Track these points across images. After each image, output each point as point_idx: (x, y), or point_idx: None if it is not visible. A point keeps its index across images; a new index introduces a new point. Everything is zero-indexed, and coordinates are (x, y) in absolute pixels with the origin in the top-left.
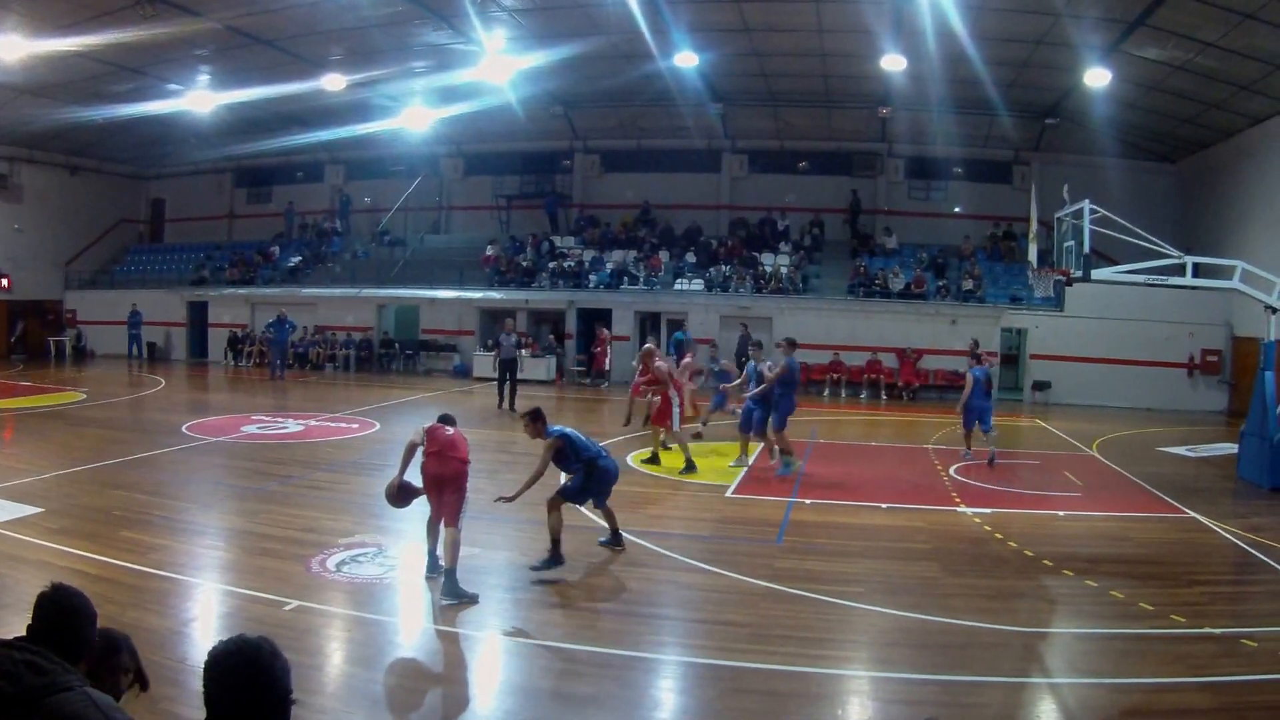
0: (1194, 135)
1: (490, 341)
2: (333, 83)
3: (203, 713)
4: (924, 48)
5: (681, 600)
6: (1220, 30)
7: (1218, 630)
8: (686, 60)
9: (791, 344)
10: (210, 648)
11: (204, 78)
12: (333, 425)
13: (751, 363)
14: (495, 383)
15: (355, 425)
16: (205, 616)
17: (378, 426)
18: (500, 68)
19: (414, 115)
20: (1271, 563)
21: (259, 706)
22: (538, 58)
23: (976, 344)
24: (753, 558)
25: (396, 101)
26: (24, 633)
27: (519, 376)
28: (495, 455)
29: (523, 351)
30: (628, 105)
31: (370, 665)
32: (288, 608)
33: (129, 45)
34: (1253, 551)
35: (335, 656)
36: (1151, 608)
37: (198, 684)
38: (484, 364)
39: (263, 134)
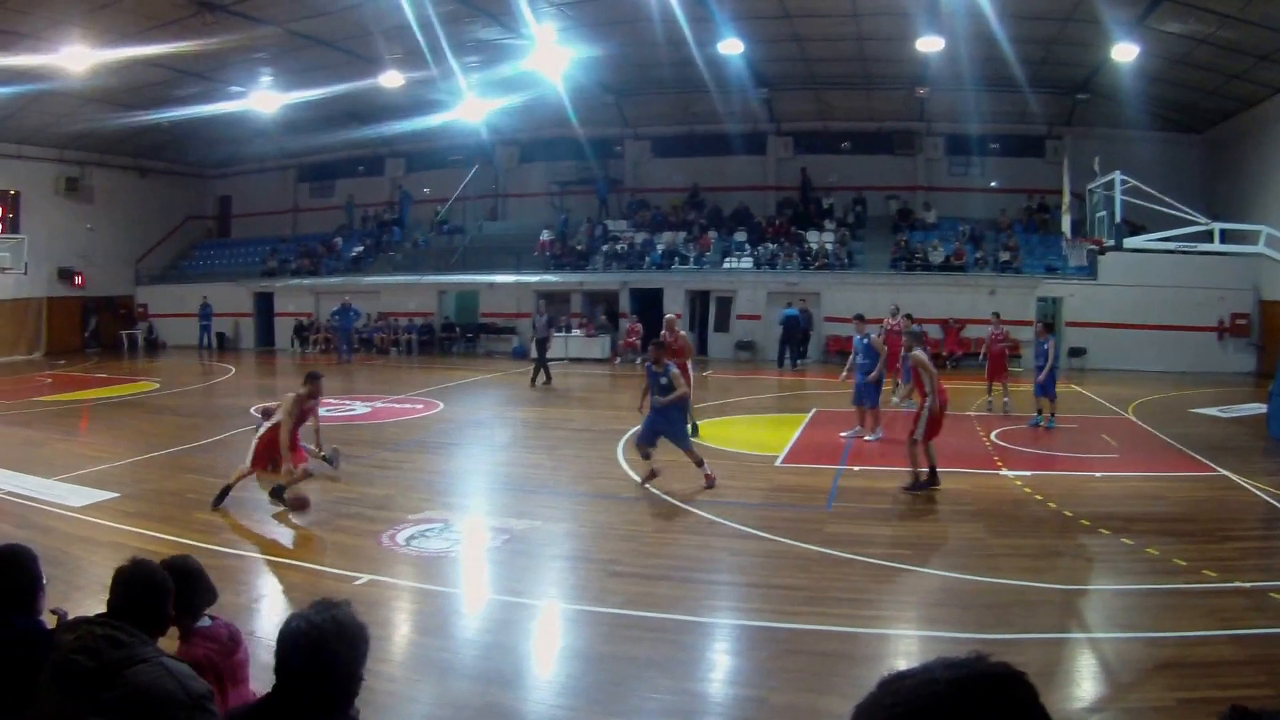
0: (1218, 106)
1: (529, 324)
2: (390, 80)
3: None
4: (957, 28)
5: (735, 566)
6: (1240, 2)
7: (1248, 584)
8: (731, 47)
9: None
10: (286, 618)
11: (265, 79)
12: (398, 406)
13: (857, 336)
14: (535, 363)
15: (420, 406)
16: (276, 592)
17: (441, 406)
18: (551, 59)
19: (469, 107)
20: None
21: (325, 683)
22: (587, 49)
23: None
24: (804, 523)
25: (452, 95)
26: (104, 609)
27: (548, 355)
28: (553, 432)
29: (576, 331)
30: (676, 92)
31: (437, 634)
32: (359, 581)
33: (191, 53)
34: None
35: (404, 627)
36: (1184, 564)
37: (268, 656)
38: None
39: (324, 130)
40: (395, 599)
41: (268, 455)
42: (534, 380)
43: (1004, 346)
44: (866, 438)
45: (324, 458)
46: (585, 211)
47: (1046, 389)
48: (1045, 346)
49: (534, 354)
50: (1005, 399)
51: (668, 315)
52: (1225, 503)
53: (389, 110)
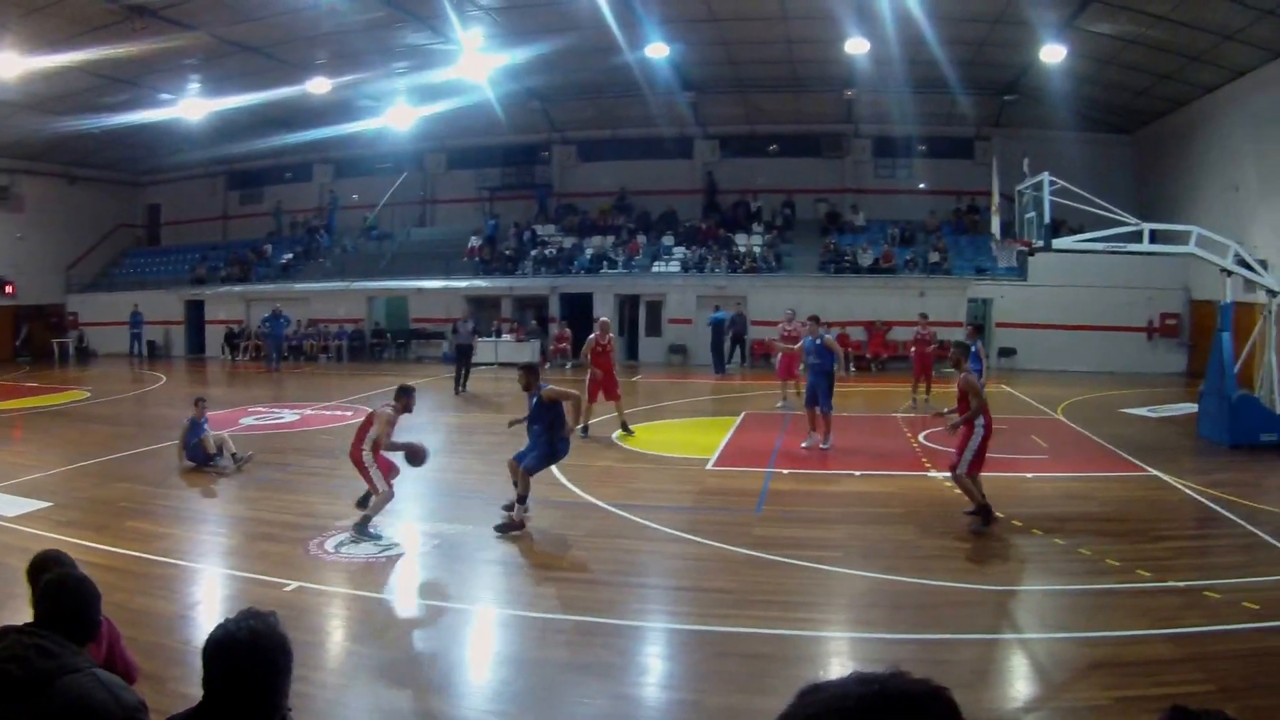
0: (1148, 106)
1: (450, 329)
2: (318, 86)
3: None
4: (885, 30)
5: (667, 569)
6: (1170, 3)
7: (1182, 583)
8: (657, 51)
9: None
10: (211, 630)
11: (194, 86)
12: (327, 414)
13: (809, 337)
14: (456, 368)
15: (349, 413)
16: (209, 600)
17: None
18: (479, 65)
19: (397, 114)
20: (1232, 517)
21: (244, 693)
22: (514, 54)
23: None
24: (734, 527)
25: (380, 101)
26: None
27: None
28: (484, 437)
29: (506, 336)
30: (602, 97)
31: (369, 641)
32: (288, 589)
33: (121, 58)
34: (1214, 507)
35: (335, 634)
36: (1118, 563)
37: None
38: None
39: (252, 137)
40: (325, 606)
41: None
42: (463, 386)
43: (931, 348)
44: (821, 446)
45: (234, 457)
46: (514, 216)
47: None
48: (974, 349)
49: (456, 360)
50: (925, 398)
51: (601, 319)
52: (1157, 502)
53: (317, 116)
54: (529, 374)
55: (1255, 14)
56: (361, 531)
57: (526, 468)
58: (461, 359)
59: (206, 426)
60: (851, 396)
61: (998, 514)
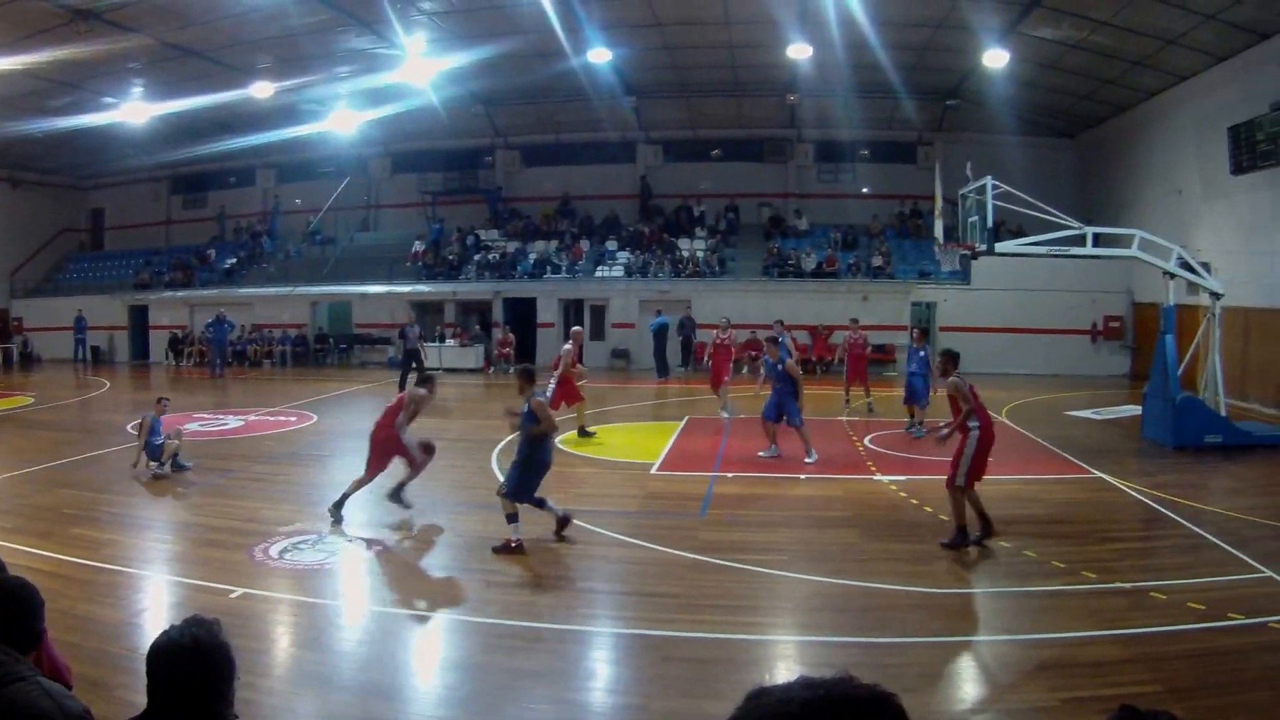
0: (1091, 111)
1: (396, 334)
2: (261, 90)
3: None
4: (828, 35)
5: (612, 574)
6: (1113, 8)
7: (1128, 584)
8: (600, 56)
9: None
10: (155, 638)
11: (138, 90)
12: (271, 419)
13: (768, 358)
14: (401, 372)
15: (294, 418)
16: (155, 607)
17: (315, 419)
18: (422, 70)
19: (341, 118)
20: (1177, 518)
21: (185, 700)
22: (458, 59)
23: (922, 330)
24: (678, 531)
25: (324, 105)
26: None
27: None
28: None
29: (450, 341)
30: (545, 101)
31: (314, 647)
32: (233, 595)
33: (65, 61)
34: (1159, 508)
35: (281, 640)
36: (1063, 565)
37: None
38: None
39: (196, 141)
40: (271, 612)
41: (386, 457)
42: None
43: (863, 351)
44: (806, 460)
45: (174, 461)
46: (458, 221)
47: (919, 396)
48: (922, 354)
49: (402, 363)
50: (868, 401)
51: (575, 328)
52: (1102, 504)
53: (261, 121)
54: (524, 378)
55: (1198, 19)
56: (396, 498)
57: (503, 493)
58: (409, 363)
59: (160, 428)
60: None
61: (975, 536)
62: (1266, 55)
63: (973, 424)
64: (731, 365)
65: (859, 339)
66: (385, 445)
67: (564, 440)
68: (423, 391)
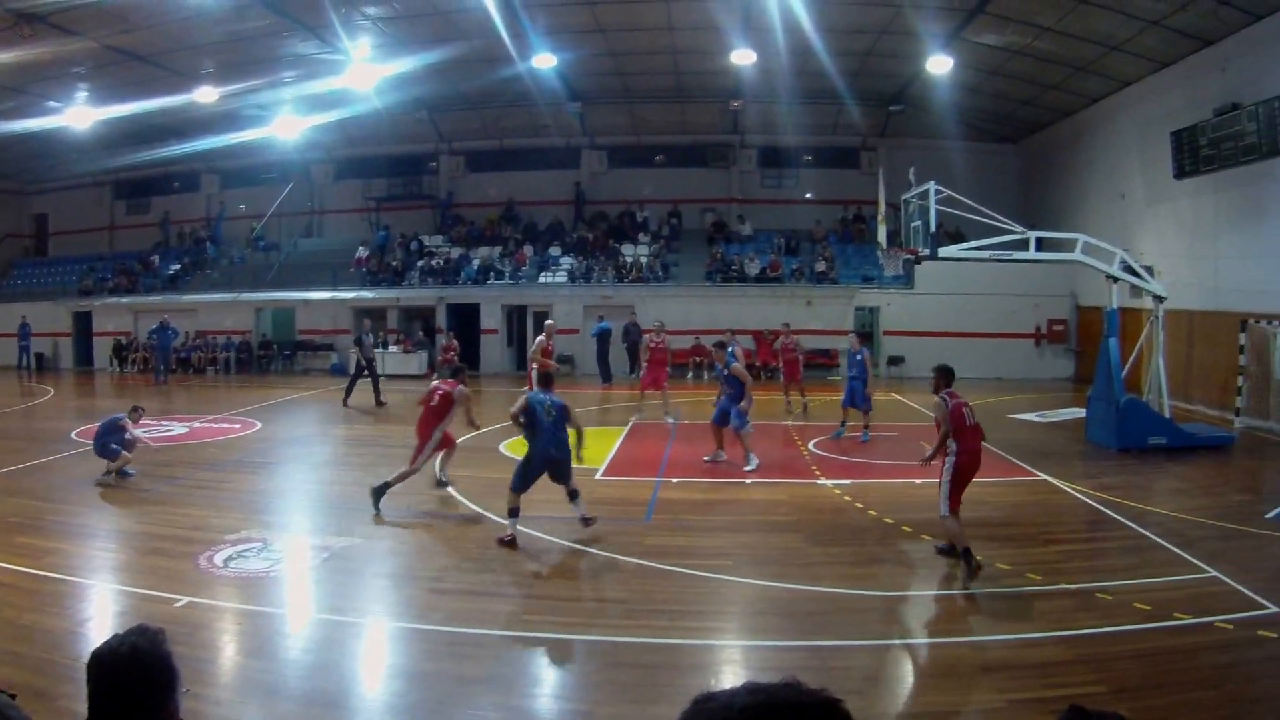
0: (1034, 116)
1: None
2: (205, 95)
3: None
4: (772, 42)
5: (557, 580)
6: (1057, 15)
7: (1073, 586)
8: (544, 62)
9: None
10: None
11: (83, 94)
12: (216, 426)
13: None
14: (351, 379)
15: (238, 425)
16: (99, 616)
17: (259, 425)
18: (366, 75)
19: (285, 123)
20: (1121, 519)
21: (124, 710)
22: (402, 64)
23: (860, 334)
24: (623, 536)
25: (268, 111)
26: None
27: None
28: (371, 449)
29: (394, 347)
30: (489, 107)
31: (260, 655)
32: (178, 604)
33: (8, 65)
34: (1103, 510)
35: (227, 649)
36: (1009, 567)
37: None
38: None
39: (140, 146)
40: (216, 621)
41: (434, 449)
42: (346, 399)
43: (795, 355)
44: (746, 467)
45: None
46: (403, 227)
47: (859, 399)
48: (859, 357)
49: (354, 371)
50: (804, 401)
51: (548, 321)
52: (1047, 506)
53: (205, 126)
54: (544, 382)
55: (1141, 25)
56: (443, 484)
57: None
58: (361, 372)
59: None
60: None
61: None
62: (1210, 61)
63: (952, 448)
64: (668, 370)
65: (791, 343)
66: (431, 439)
67: (508, 445)
68: (467, 391)
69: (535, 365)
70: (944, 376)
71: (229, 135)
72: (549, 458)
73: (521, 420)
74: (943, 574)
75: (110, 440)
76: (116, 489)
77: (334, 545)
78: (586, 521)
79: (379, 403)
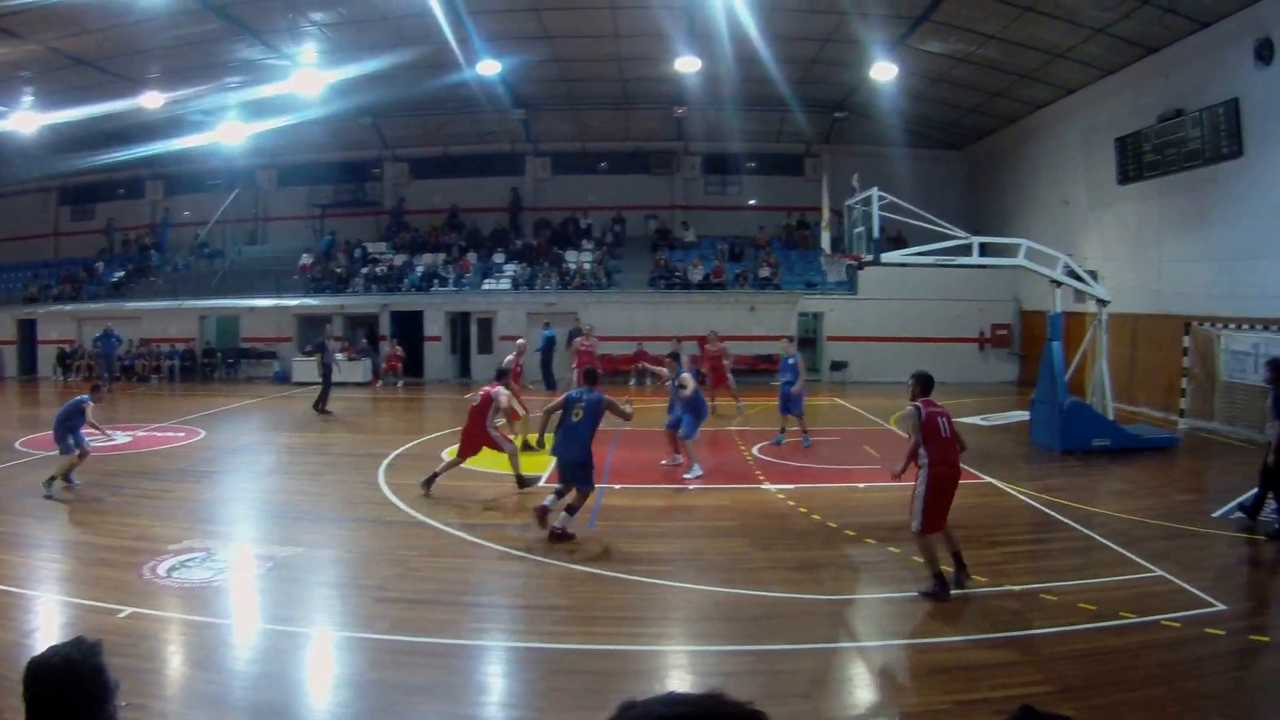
0: (978, 123)
1: (310, 347)
2: (151, 100)
3: None
4: (717, 49)
5: (502, 587)
6: (1001, 23)
7: (1018, 587)
8: (489, 68)
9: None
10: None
11: (27, 98)
12: (160, 435)
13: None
14: (322, 387)
15: (182, 434)
16: (44, 627)
17: (203, 434)
18: (311, 81)
19: (229, 130)
20: (1066, 521)
21: (69, 715)
22: (347, 70)
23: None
24: (568, 543)
25: (213, 116)
26: None
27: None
28: (316, 457)
29: (338, 355)
30: (434, 114)
31: (205, 666)
32: (122, 615)
33: None
34: (1048, 511)
35: (172, 660)
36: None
37: None
38: (305, 369)
39: (85, 152)
40: (161, 631)
41: (476, 447)
42: (320, 405)
43: (720, 361)
44: (686, 475)
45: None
46: (348, 234)
47: (792, 405)
48: (791, 361)
49: (322, 378)
50: (739, 405)
51: (519, 340)
52: (992, 509)
53: (150, 131)
54: (589, 379)
55: (1086, 33)
56: (525, 486)
57: None
58: (327, 378)
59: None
60: None
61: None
62: (1154, 68)
63: (923, 458)
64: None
65: (717, 351)
66: (476, 437)
67: (449, 452)
68: (505, 391)
69: (574, 367)
70: (921, 384)
71: (174, 141)
72: (561, 457)
73: (551, 416)
74: (888, 577)
75: (72, 423)
76: (59, 500)
77: (277, 554)
78: (557, 536)
79: (321, 410)
